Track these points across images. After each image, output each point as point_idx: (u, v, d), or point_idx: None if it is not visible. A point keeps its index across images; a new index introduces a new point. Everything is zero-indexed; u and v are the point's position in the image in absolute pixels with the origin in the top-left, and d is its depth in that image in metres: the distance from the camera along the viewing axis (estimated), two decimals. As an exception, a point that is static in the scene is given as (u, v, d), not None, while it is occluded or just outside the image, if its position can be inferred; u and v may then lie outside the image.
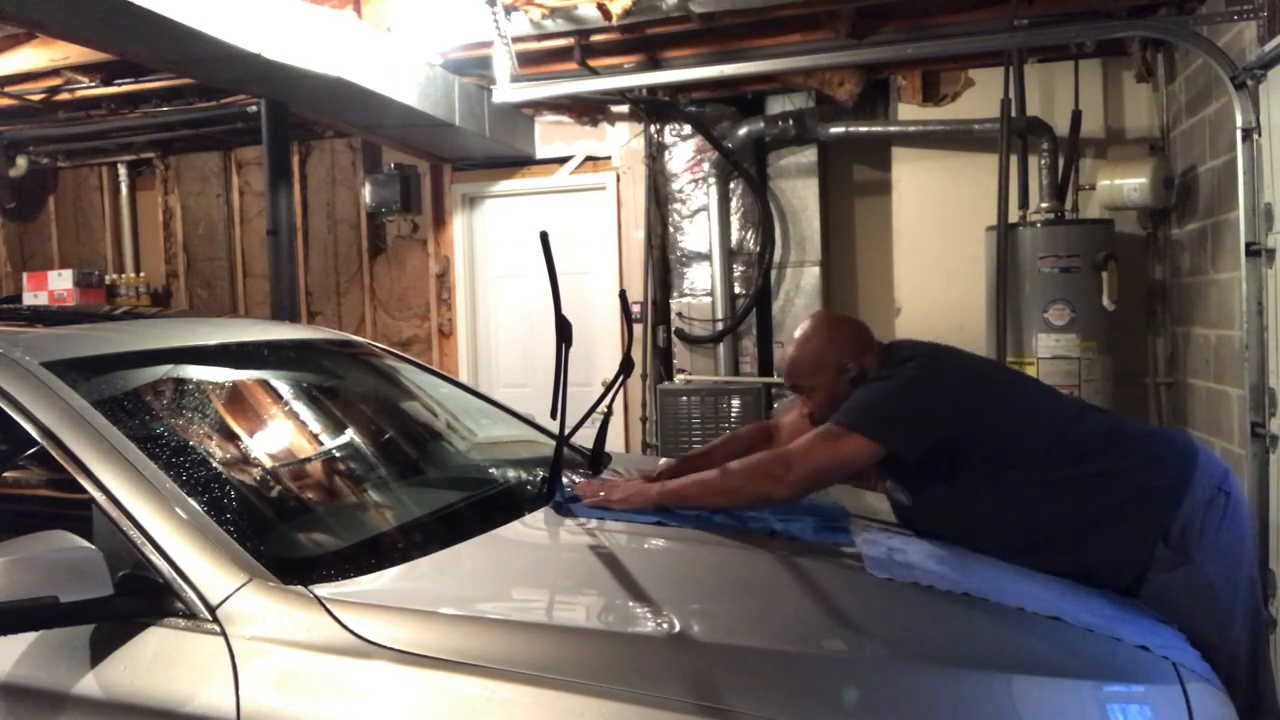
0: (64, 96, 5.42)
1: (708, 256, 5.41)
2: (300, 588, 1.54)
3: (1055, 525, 1.97)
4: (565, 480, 2.22)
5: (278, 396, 2.39)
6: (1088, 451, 2.00)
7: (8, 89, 5.30)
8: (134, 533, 1.55)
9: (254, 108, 5.20)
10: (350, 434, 2.41)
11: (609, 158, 5.71)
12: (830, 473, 2.06)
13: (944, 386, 2.06)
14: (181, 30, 3.38)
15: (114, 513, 1.57)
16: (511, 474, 2.50)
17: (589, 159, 5.75)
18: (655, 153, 5.52)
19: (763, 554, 1.90)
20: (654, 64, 4.96)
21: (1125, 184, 4.29)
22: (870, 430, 2.00)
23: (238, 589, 1.51)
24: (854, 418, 2.02)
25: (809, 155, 5.33)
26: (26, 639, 1.53)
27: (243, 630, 1.47)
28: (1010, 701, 1.43)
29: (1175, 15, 4.13)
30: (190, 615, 1.50)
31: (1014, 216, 4.39)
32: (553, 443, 2.20)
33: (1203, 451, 2.01)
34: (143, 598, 1.52)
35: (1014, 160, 4.46)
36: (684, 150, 5.46)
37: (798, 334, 2.26)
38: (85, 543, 1.50)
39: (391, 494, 2.26)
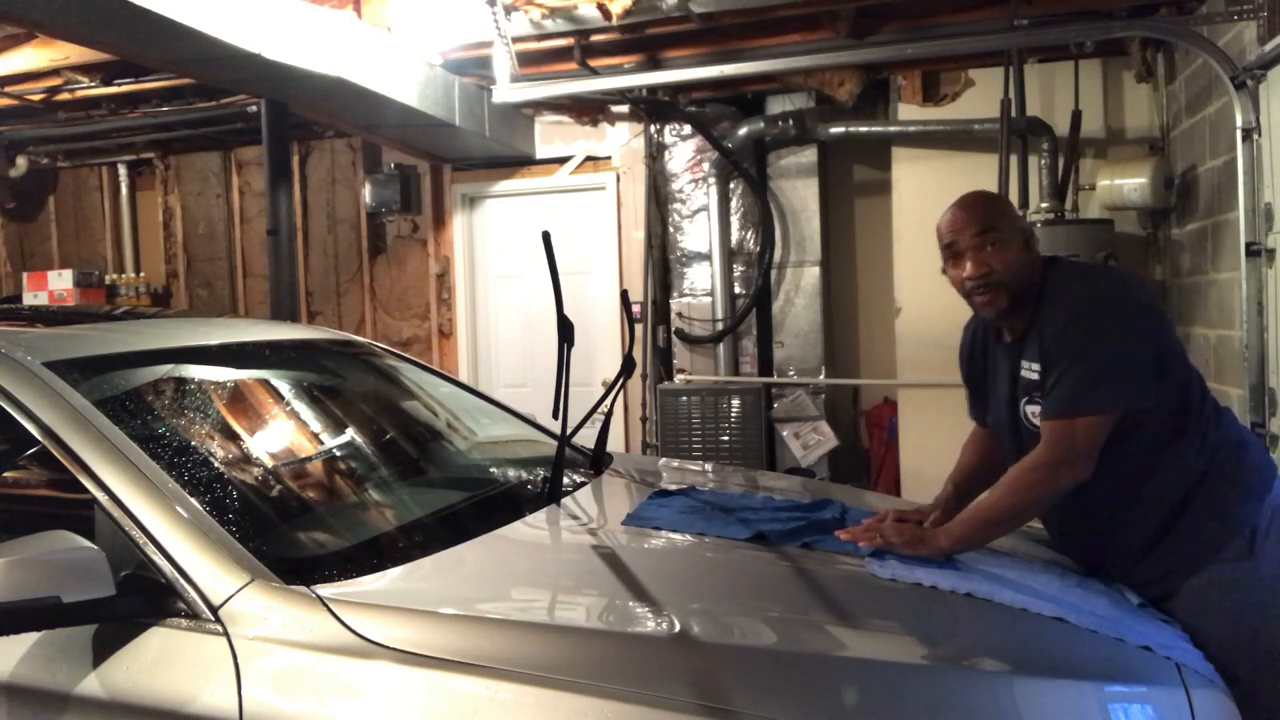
0: (64, 96, 5.42)
1: (708, 256, 5.41)
2: (302, 588, 1.54)
3: (1168, 483, 1.87)
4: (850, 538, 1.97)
5: (279, 396, 2.39)
6: (1213, 415, 1.90)
7: (8, 89, 5.30)
8: (136, 533, 1.55)
9: (254, 108, 5.20)
10: (352, 434, 2.41)
11: (609, 158, 5.71)
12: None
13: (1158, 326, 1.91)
14: (181, 30, 3.38)
15: (116, 513, 1.57)
16: (513, 474, 2.50)
17: (589, 159, 5.75)
18: (655, 153, 5.52)
19: (763, 554, 1.90)
20: (654, 64, 4.97)
21: (1125, 184, 4.30)
22: (1108, 404, 1.82)
23: (240, 589, 1.51)
24: (1088, 398, 1.82)
25: (809, 155, 5.34)
26: (28, 639, 1.53)
27: (245, 630, 1.47)
28: (1012, 702, 1.43)
29: (1175, 15, 4.14)
30: (193, 615, 1.50)
31: (1014, 216, 4.39)
32: (553, 442, 2.19)
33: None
34: (145, 598, 1.52)
35: (1014, 160, 4.46)
36: (684, 150, 5.47)
37: (974, 191, 2.10)
38: (87, 543, 1.49)
39: (393, 494, 2.26)
